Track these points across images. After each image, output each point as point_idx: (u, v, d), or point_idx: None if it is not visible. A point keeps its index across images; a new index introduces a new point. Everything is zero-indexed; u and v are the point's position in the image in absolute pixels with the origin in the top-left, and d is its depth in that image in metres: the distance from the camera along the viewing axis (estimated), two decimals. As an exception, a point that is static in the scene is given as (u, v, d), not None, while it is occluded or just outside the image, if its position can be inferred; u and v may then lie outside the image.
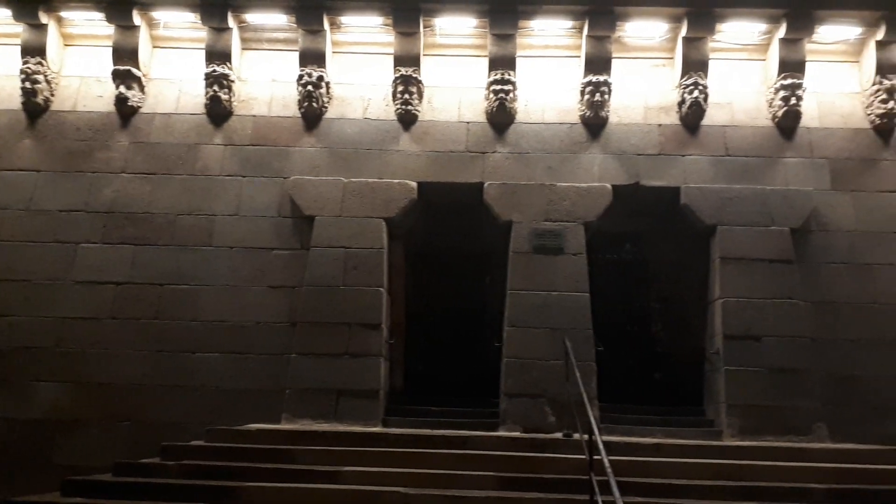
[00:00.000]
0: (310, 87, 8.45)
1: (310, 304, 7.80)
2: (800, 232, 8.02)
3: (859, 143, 8.44)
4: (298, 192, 8.23)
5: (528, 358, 7.58)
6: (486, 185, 8.25)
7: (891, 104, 8.36)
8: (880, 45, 8.35)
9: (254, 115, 8.69)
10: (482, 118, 8.56)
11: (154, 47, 8.91)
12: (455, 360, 8.58)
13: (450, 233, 8.90)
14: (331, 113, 8.62)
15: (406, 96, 8.44)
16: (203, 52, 8.63)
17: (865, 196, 8.23)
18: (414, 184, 8.25)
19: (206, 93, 8.57)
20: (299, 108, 8.59)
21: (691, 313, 8.38)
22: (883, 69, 8.36)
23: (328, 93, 8.61)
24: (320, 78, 8.49)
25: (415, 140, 8.51)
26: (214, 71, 8.52)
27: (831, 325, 7.78)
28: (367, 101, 8.68)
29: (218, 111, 8.60)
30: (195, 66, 8.71)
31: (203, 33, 8.64)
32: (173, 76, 8.84)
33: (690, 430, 7.35)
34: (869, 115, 8.50)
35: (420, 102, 8.57)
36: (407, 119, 8.53)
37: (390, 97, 8.61)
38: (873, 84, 8.44)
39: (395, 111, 8.55)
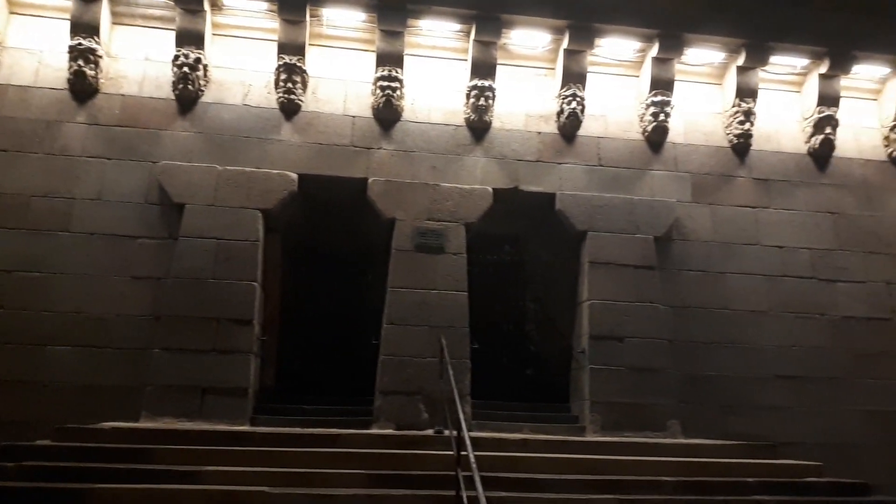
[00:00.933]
0: (186, 69, 8.03)
1: (176, 297, 7.41)
2: (662, 240, 8.53)
3: (719, 160, 9.10)
4: (168, 177, 7.80)
5: (406, 356, 7.58)
6: (370, 181, 8.18)
7: (747, 125, 9.08)
8: (741, 70, 9.03)
9: (123, 94, 8.14)
10: (368, 113, 8.48)
11: (11, 13, 8.15)
12: (332, 359, 8.44)
13: (331, 228, 8.76)
14: (208, 97, 8.24)
15: (289, 85, 8.22)
16: (68, 22, 7.99)
17: (721, 209, 8.89)
18: (294, 175, 8.04)
19: (70, 67, 7.94)
20: (173, 90, 8.15)
21: (562, 314, 8.70)
22: (742, 92, 9.06)
23: (206, 76, 8.23)
24: (198, 60, 8.09)
25: (297, 131, 8.30)
26: (80, 44, 7.91)
27: (687, 328, 8.33)
28: (247, 87, 8.36)
29: (82, 87, 7.99)
30: (59, 38, 8.05)
31: (68, 2, 8.00)
32: (33, 46, 8.13)
33: (557, 425, 7.64)
34: (728, 134, 9.18)
35: (304, 92, 8.38)
36: (290, 108, 8.30)
37: (272, 85, 8.34)
38: (733, 106, 9.12)
39: (278, 100, 8.30)
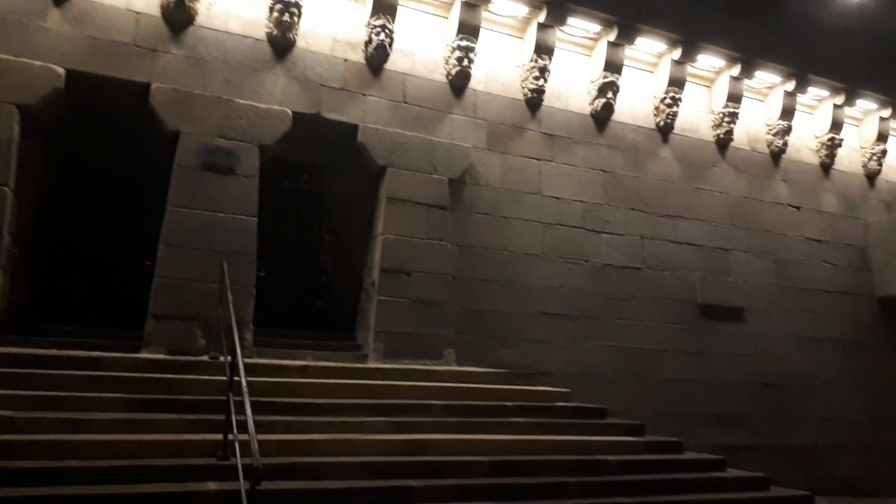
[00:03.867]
0: (-79, -77, 6.65)
1: None
2: (456, 182, 8.84)
3: (513, 112, 9.56)
4: None
5: (184, 279, 7.17)
6: (153, 87, 7.45)
7: (541, 82, 9.61)
8: (541, 26, 9.46)
9: None
10: (156, 11, 7.65)
11: None
12: (101, 279, 7.72)
13: (106, 136, 7.89)
14: (-49, -36, 6.93)
15: (59, -35, 7.15)
16: None
17: (511, 159, 9.40)
18: (62, 70, 7.06)
19: None
20: None
21: (357, 247, 8.76)
22: (540, 49, 9.52)
23: (-51, -64, 6.89)
24: (-61, -86, 6.72)
25: (69, 20, 7.26)
26: None
27: (470, 266, 8.80)
28: (6, -41, 7.14)
29: None
30: None
31: None
32: None
33: (340, 353, 7.75)
34: (524, 88, 9.66)
35: (79, -23, 7.35)
36: (60, -8, 7.25)
37: (39, -38, 7.21)
38: (531, 61, 9.58)
39: (44, -20, 7.20)
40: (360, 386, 6.63)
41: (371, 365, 7.57)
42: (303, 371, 6.70)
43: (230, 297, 5.75)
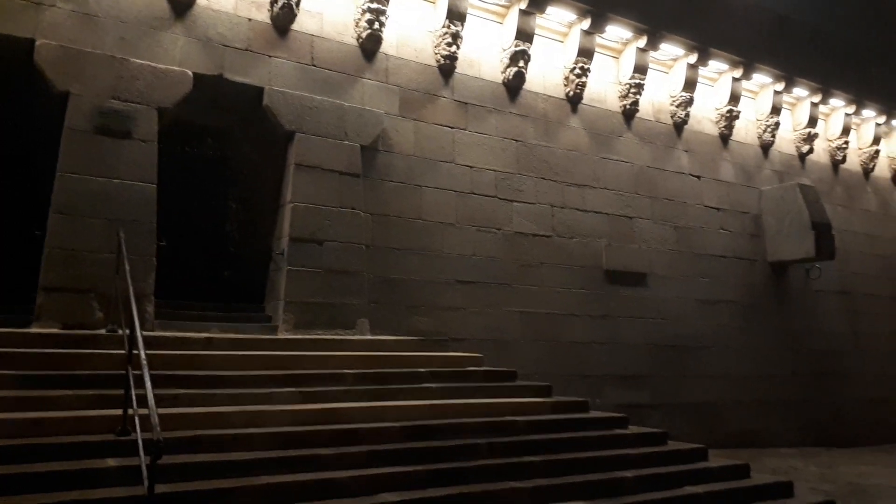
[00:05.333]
0: None
1: None
2: (369, 149, 8.71)
3: (426, 78, 9.47)
4: None
5: (78, 250, 6.75)
6: (38, 43, 6.89)
7: (454, 48, 9.54)
8: (453, -8, 9.40)
9: None
10: (40, -39, 7.09)
11: None
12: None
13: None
14: None
15: None
16: None
17: (424, 126, 9.33)
18: (-70, 22, 6.46)
19: None
20: None
21: (265, 215, 8.53)
22: (452, 15, 9.41)
23: None
24: None
25: (-65, -35, 6.62)
26: None
27: (384, 234, 8.74)
28: None
29: None
30: None
31: None
32: None
33: (249, 325, 7.56)
34: (437, 54, 9.56)
35: (-54, -82, 6.67)
36: (-77, -65, 6.56)
37: None
38: (443, 27, 9.47)
39: None
40: (269, 357, 6.51)
41: (281, 336, 7.42)
42: (208, 343, 6.50)
43: (128, 267, 5.46)
